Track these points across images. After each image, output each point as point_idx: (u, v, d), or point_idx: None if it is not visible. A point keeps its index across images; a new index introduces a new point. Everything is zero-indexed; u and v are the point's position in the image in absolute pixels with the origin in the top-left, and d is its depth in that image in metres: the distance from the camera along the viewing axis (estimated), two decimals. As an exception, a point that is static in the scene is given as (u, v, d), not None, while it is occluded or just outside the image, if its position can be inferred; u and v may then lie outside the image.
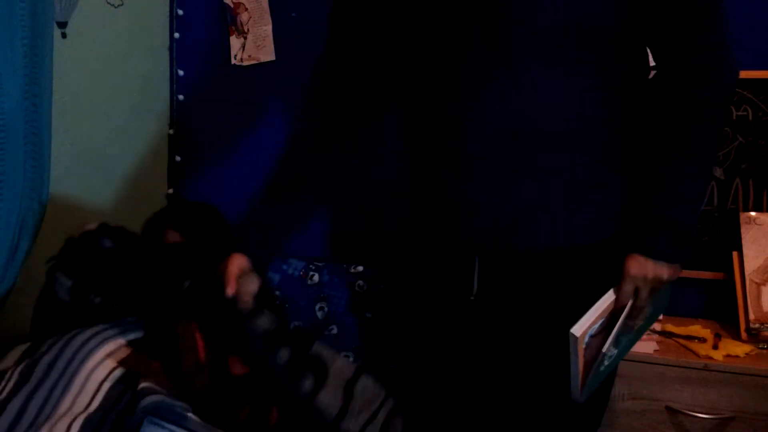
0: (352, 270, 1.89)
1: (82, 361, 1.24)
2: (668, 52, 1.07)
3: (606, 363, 1.10)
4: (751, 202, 1.77)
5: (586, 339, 1.04)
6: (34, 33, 1.49)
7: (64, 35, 1.81)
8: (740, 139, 1.77)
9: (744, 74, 1.72)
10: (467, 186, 1.10)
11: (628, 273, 1.07)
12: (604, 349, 1.07)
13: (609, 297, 1.08)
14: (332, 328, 1.83)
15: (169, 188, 2.18)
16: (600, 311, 1.06)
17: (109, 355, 1.27)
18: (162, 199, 2.17)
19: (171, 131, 2.17)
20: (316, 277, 1.91)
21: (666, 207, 1.06)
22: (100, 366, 1.24)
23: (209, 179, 2.19)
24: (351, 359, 1.77)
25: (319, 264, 1.93)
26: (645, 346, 1.60)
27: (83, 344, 1.27)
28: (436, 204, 1.17)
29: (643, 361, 1.56)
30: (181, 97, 2.16)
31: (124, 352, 1.30)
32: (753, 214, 1.75)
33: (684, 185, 1.06)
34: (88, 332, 1.30)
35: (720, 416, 1.51)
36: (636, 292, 1.07)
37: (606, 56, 1.04)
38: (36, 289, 1.51)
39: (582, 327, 1.03)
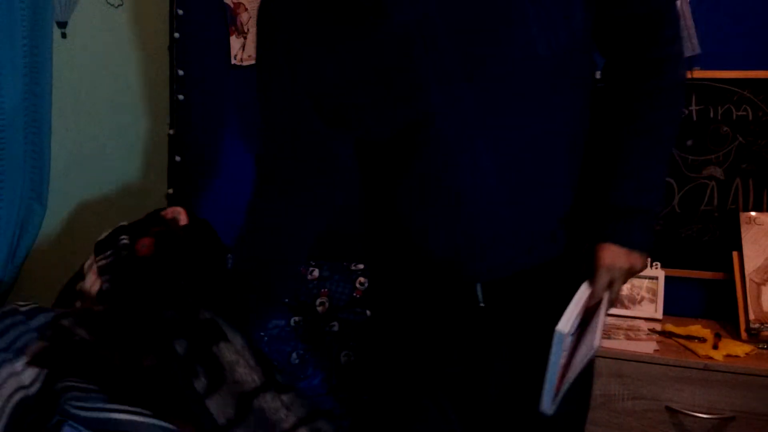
0: (353, 267, 1.89)
1: None
2: (629, 50, 1.07)
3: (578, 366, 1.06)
4: (751, 202, 1.77)
5: (569, 338, 1.00)
6: (34, 33, 1.49)
7: (64, 35, 1.81)
8: (740, 139, 1.77)
9: (744, 74, 1.74)
10: (467, 235, 1.06)
11: (602, 264, 1.03)
12: (596, 343, 1.03)
13: (584, 291, 1.03)
14: (333, 325, 1.82)
15: (169, 188, 2.18)
16: (580, 306, 1.01)
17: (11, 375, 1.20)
18: (162, 199, 2.17)
19: (171, 131, 2.17)
20: (316, 272, 1.90)
21: (638, 195, 1.05)
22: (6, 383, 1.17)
23: (209, 179, 2.19)
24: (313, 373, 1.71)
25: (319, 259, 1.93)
26: (645, 346, 1.60)
27: None
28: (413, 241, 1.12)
29: (643, 361, 1.56)
30: (181, 97, 2.16)
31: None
32: (753, 214, 1.75)
33: (652, 172, 1.06)
34: None
35: (720, 416, 1.51)
36: (609, 283, 1.05)
37: (582, 72, 1.07)
38: (36, 289, 1.51)
39: (567, 323, 0.98)
